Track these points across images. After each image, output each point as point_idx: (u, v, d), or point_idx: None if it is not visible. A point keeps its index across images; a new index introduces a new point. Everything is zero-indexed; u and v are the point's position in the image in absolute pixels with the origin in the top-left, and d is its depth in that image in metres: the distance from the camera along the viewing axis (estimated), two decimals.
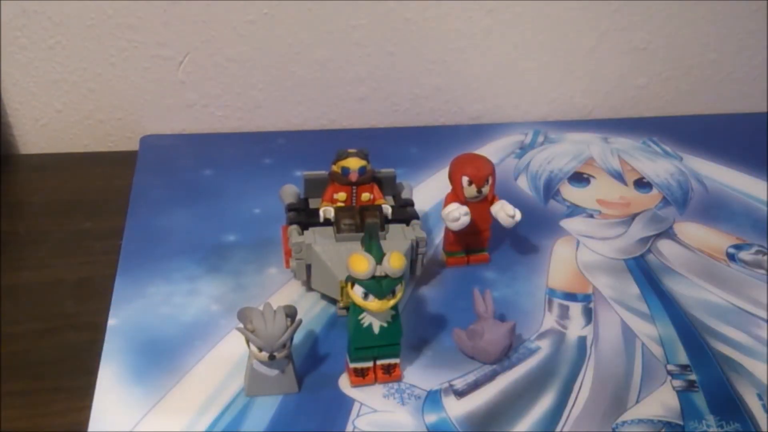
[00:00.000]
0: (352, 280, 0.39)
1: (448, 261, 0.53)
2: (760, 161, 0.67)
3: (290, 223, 0.48)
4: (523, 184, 0.63)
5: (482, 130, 0.71)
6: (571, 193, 0.62)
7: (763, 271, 0.54)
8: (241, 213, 0.57)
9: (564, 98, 0.75)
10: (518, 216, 0.50)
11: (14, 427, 0.40)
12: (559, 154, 0.67)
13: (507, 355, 0.45)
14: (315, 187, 0.51)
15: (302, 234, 0.47)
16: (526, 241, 0.56)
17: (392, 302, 0.39)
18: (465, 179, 0.49)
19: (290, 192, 0.51)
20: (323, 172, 0.50)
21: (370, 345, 0.41)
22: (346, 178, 0.48)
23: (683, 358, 0.46)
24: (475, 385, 0.43)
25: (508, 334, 0.44)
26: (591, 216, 0.59)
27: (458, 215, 0.49)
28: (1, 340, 0.45)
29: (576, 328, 0.48)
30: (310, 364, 0.44)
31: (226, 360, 0.44)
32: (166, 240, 0.53)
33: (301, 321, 0.40)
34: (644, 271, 0.53)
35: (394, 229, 0.48)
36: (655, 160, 0.67)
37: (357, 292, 0.39)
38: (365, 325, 0.40)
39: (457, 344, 0.45)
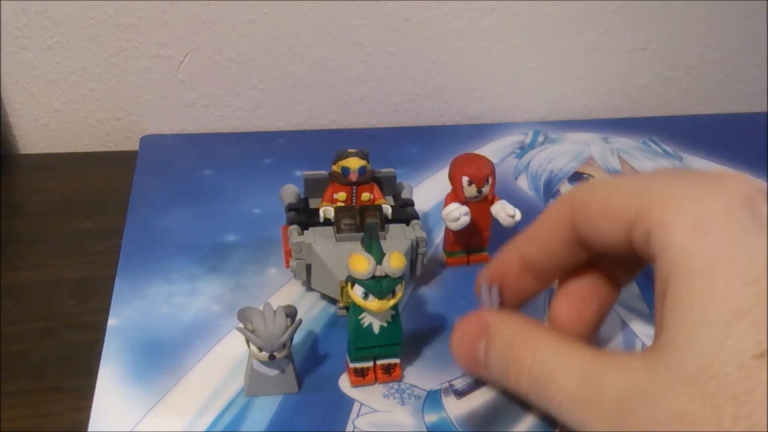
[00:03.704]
0: (352, 280, 0.39)
1: (448, 261, 0.53)
2: (760, 161, 0.67)
3: (290, 223, 0.48)
4: (523, 184, 0.63)
5: (482, 130, 0.71)
6: None
7: None
8: (241, 213, 0.57)
9: (564, 98, 0.75)
10: (518, 216, 0.50)
11: (14, 427, 0.40)
12: (559, 154, 0.67)
13: None
14: (315, 187, 0.51)
15: (302, 234, 0.47)
16: None
17: (392, 302, 0.39)
18: (465, 179, 0.49)
19: (290, 192, 0.51)
20: (323, 172, 0.50)
21: (370, 345, 0.41)
22: (346, 178, 0.48)
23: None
24: (475, 385, 0.43)
25: None
26: None
27: (458, 215, 0.49)
28: (1, 340, 0.45)
29: None
30: (310, 364, 0.44)
31: (226, 360, 0.44)
32: (166, 240, 0.53)
33: (301, 321, 0.40)
34: (644, 271, 0.53)
35: (394, 229, 0.48)
36: (655, 160, 0.67)
37: (357, 292, 0.39)
38: (365, 325, 0.40)
39: None
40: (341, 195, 0.49)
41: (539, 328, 0.36)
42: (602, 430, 0.30)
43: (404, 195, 0.52)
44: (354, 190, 0.49)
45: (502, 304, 0.43)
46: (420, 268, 0.48)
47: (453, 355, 0.41)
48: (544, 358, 0.34)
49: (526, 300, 0.43)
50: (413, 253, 0.47)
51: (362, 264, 0.38)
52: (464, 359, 0.40)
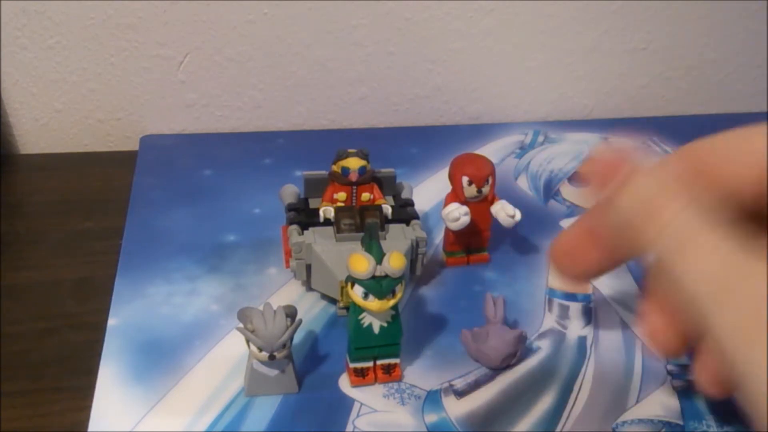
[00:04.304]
0: (352, 280, 0.39)
1: (448, 261, 0.53)
2: None
3: (290, 223, 0.48)
4: (523, 184, 0.63)
5: (482, 130, 0.71)
6: (571, 193, 0.62)
7: None
8: (241, 213, 0.57)
9: (564, 98, 0.75)
10: (518, 216, 0.50)
11: (14, 427, 0.40)
12: (559, 154, 0.67)
13: (511, 362, 0.45)
14: (315, 187, 0.51)
15: (302, 234, 0.47)
16: (526, 241, 0.56)
17: (392, 302, 0.39)
18: (465, 179, 0.49)
19: (290, 192, 0.51)
20: (323, 172, 0.50)
21: (370, 345, 0.41)
22: (346, 178, 0.48)
23: (683, 358, 0.46)
24: (475, 385, 0.43)
25: (513, 342, 0.44)
26: None
27: (458, 215, 0.49)
28: (1, 340, 0.45)
29: (576, 328, 0.48)
30: (310, 364, 0.44)
31: (226, 360, 0.44)
32: (166, 240, 0.53)
33: (301, 321, 0.40)
34: (644, 271, 0.53)
35: (394, 229, 0.48)
36: (655, 160, 0.67)
37: (357, 292, 0.39)
38: (365, 325, 0.40)
39: (464, 345, 0.45)
40: (341, 195, 0.49)
41: (691, 193, 0.28)
42: (729, 323, 0.24)
43: (404, 195, 0.52)
44: (354, 190, 0.49)
45: (505, 318, 0.44)
46: (420, 268, 0.48)
47: (588, 175, 0.32)
48: (690, 219, 0.27)
49: (599, 274, 0.36)
50: (413, 253, 0.47)
51: (362, 264, 0.38)
52: (597, 178, 0.31)
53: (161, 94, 0.67)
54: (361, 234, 0.44)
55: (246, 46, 0.66)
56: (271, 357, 0.39)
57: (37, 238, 0.55)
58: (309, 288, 0.48)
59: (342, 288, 0.45)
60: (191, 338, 0.45)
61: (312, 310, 0.48)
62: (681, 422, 0.42)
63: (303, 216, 0.49)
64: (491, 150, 0.67)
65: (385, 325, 0.41)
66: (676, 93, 0.77)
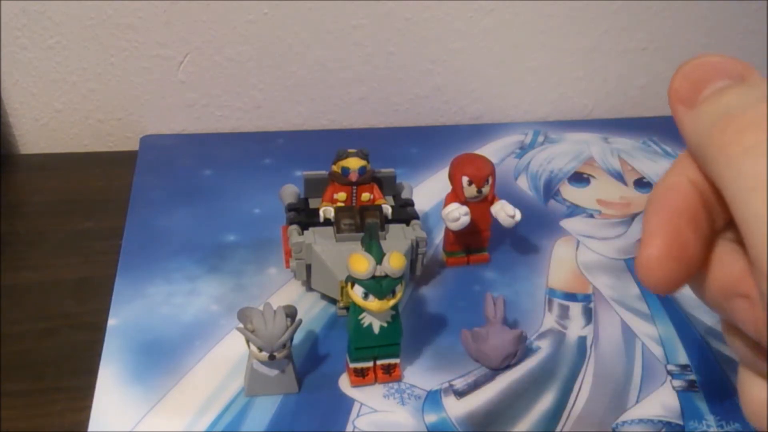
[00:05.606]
0: (352, 280, 0.39)
1: (448, 261, 0.53)
2: None
3: (290, 223, 0.48)
4: (523, 184, 0.63)
5: (482, 130, 0.71)
6: (571, 193, 0.62)
7: None
8: (241, 213, 0.57)
9: (564, 98, 0.75)
10: (518, 216, 0.50)
11: (14, 427, 0.40)
12: (559, 154, 0.67)
13: (511, 362, 0.45)
14: (315, 187, 0.51)
15: (302, 234, 0.47)
16: (526, 241, 0.56)
17: (392, 302, 0.39)
18: (465, 179, 0.49)
19: (290, 192, 0.51)
20: (323, 172, 0.50)
21: (370, 345, 0.41)
22: (346, 178, 0.48)
23: (683, 358, 0.46)
24: (475, 385, 0.43)
25: (513, 342, 0.44)
26: (591, 216, 0.59)
27: (458, 215, 0.49)
28: (1, 340, 0.45)
29: (576, 328, 0.48)
30: (310, 364, 0.44)
31: (226, 360, 0.44)
32: (166, 240, 0.53)
33: (301, 321, 0.40)
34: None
35: (394, 229, 0.48)
36: (655, 160, 0.67)
37: (357, 292, 0.39)
38: (365, 325, 0.40)
39: (464, 345, 0.45)
40: (341, 195, 0.49)
41: None
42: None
43: (404, 195, 0.52)
44: (354, 190, 0.49)
45: (505, 318, 0.43)
46: (420, 268, 0.48)
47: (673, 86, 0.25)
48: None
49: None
50: (413, 253, 0.47)
51: (362, 264, 0.38)
52: (682, 85, 0.25)
53: (161, 94, 0.67)
54: (361, 234, 0.44)
55: (246, 46, 0.66)
56: (271, 357, 0.39)
57: (37, 238, 0.55)
58: (309, 288, 0.48)
59: (342, 288, 0.44)
60: (191, 338, 0.45)
61: (312, 310, 0.48)
62: (681, 422, 0.42)
63: (303, 216, 0.49)
64: (491, 150, 0.67)
65: (385, 325, 0.41)
66: None
